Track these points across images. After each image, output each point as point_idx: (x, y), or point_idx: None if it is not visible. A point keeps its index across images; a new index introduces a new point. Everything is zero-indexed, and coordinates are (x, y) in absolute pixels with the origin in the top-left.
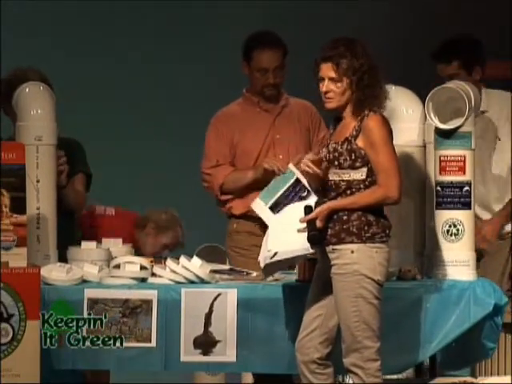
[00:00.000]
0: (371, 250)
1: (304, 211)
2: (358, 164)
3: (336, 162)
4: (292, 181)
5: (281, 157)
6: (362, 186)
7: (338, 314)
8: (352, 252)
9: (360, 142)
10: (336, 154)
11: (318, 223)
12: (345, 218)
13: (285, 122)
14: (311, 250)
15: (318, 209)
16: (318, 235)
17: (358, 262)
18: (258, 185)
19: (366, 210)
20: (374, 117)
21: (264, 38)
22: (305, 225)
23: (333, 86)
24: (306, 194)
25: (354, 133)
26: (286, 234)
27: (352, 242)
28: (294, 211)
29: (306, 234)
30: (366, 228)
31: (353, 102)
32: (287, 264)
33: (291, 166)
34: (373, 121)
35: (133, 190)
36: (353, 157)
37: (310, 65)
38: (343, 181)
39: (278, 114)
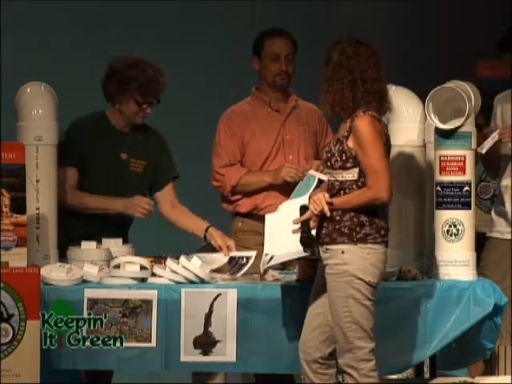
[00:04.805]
0: (363, 250)
1: (300, 211)
2: (348, 165)
3: (329, 163)
4: (314, 185)
5: (291, 157)
6: (354, 186)
7: (331, 314)
8: (343, 252)
9: (351, 143)
10: (329, 155)
11: (312, 224)
12: (337, 218)
13: (294, 123)
14: (305, 254)
15: (311, 208)
16: (310, 237)
17: (348, 262)
18: (270, 187)
19: (360, 210)
20: (363, 117)
21: (275, 29)
22: (299, 225)
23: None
24: None
25: (345, 133)
26: (281, 235)
27: (343, 243)
28: (289, 209)
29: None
30: (357, 229)
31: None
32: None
33: (312, 172)
34: (361, 121)
35: None
36: (344, 157)
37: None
38: (337, 181)
39: (288, 114)
